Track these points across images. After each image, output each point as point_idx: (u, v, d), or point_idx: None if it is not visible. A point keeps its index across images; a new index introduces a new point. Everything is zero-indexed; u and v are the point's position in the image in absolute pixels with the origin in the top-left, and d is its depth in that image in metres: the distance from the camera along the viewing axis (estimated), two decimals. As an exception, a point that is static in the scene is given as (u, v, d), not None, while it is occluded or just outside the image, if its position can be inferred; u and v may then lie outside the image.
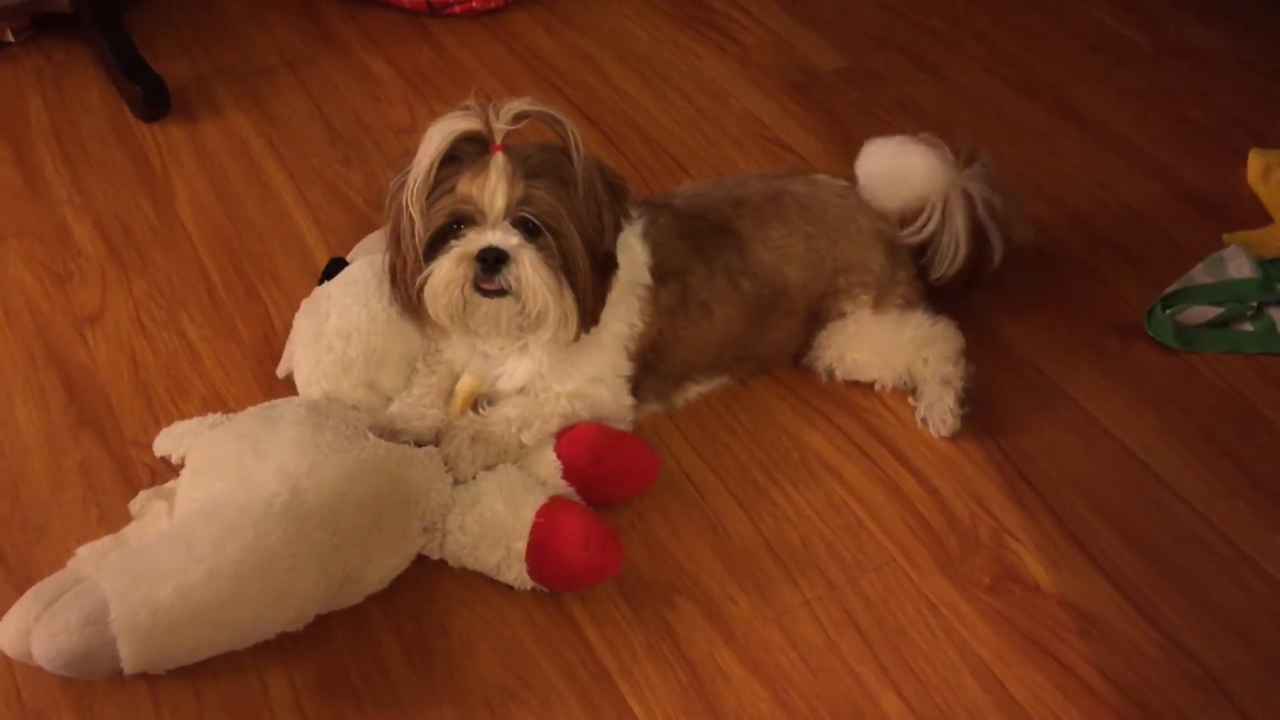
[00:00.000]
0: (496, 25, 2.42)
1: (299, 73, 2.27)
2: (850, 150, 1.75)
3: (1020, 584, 1.45)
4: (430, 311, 1.44)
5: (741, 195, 1.66)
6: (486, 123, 1.39)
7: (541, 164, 1.41)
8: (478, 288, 1.41)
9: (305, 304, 1.60)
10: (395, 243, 1.45)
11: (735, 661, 1.37)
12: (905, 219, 1.68)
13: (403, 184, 1.41)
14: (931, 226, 1.66)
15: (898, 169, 1.69)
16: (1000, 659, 1.37)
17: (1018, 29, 2.45)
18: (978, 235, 1.67)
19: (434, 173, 1.39)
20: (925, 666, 1.37)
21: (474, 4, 2.41)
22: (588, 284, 1.43)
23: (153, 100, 2.12)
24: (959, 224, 1.65)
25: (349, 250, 1.73)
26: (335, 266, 1.63)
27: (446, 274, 1.41)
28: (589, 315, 1.45)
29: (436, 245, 1.42)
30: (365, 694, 1.32)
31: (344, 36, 2.38)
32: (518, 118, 1.39)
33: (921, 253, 1.69)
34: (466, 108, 1.40)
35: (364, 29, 2.40)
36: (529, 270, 1.39)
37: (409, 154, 1.41)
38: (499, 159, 1.38)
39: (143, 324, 1.75)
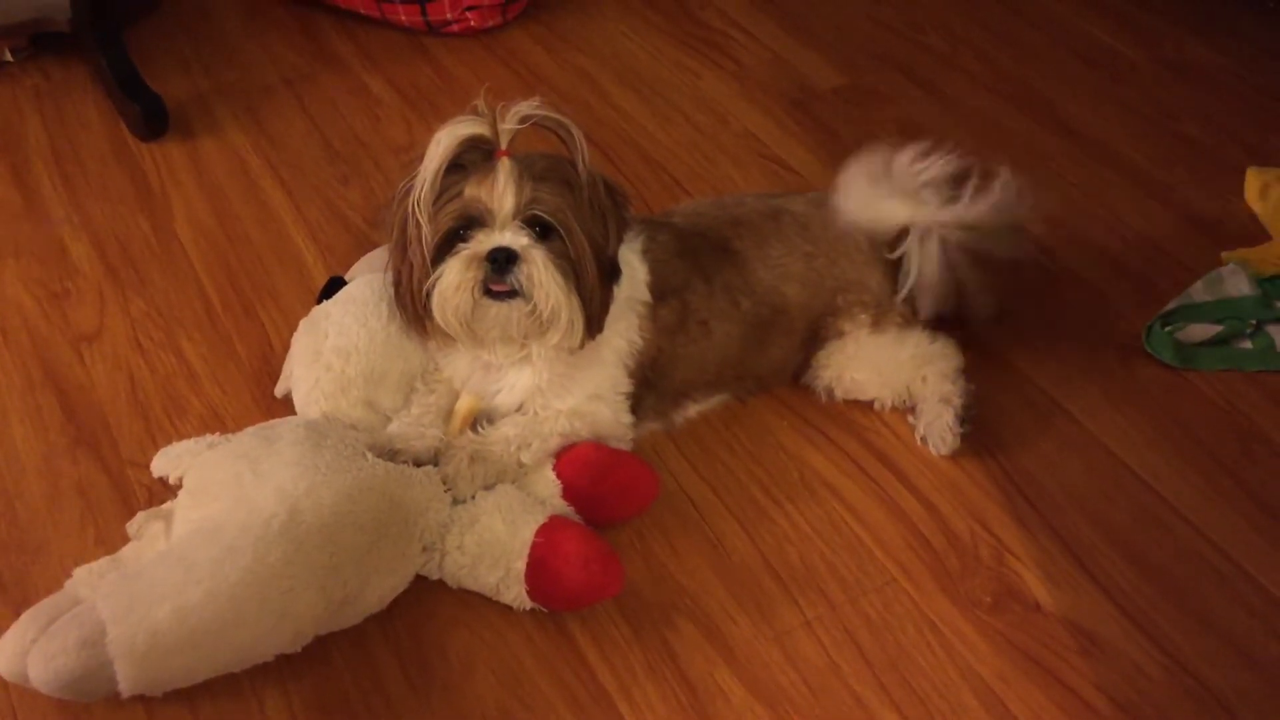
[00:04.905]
0: (495, 44, 2.42)
1: (298, 91, 2.27)
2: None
3: (1021, 603, 1.45)
4: (439, 317, 1.43)
5: (740, 214, 1.66)
6: (493, 127, 1.39)
7: (546, 169, 1.41)
8: (488, 291, 1.40)
9: (304, 323, 1.60)
10: (401, 250, 1.44)
11: (735, 682, 1.36)
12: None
13: (409, 190, 1.41)
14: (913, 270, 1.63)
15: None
16: (1001, 679, 1.37)
17: (1015, 46, 2.46)
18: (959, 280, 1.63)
19: (440, 178, 1.38)
20: (926, 686, 1.36)
21: (472, 23, 2.41)
22: (595, 288, 1.43)
23: (151, 119, 2.12)
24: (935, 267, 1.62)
25: (347, 269, 1.73)
26: (334, 285, 1.63)
27: (456, 277, 1.39)
28: (595, 321, 1.45)
29: (443, 251, 1.41)
30: (364, 715, 1.32)
31: (343, 55, 2.38)
32: (524, 119, 1.39)
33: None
34: (474, 111, 1.40)
35: (363, 48, 2.40)
36: (541, 269, 1.38)
37: (414, 162, 1.41)
38: (506, 162, 1.39)
39: (140, 343, 1.74)
